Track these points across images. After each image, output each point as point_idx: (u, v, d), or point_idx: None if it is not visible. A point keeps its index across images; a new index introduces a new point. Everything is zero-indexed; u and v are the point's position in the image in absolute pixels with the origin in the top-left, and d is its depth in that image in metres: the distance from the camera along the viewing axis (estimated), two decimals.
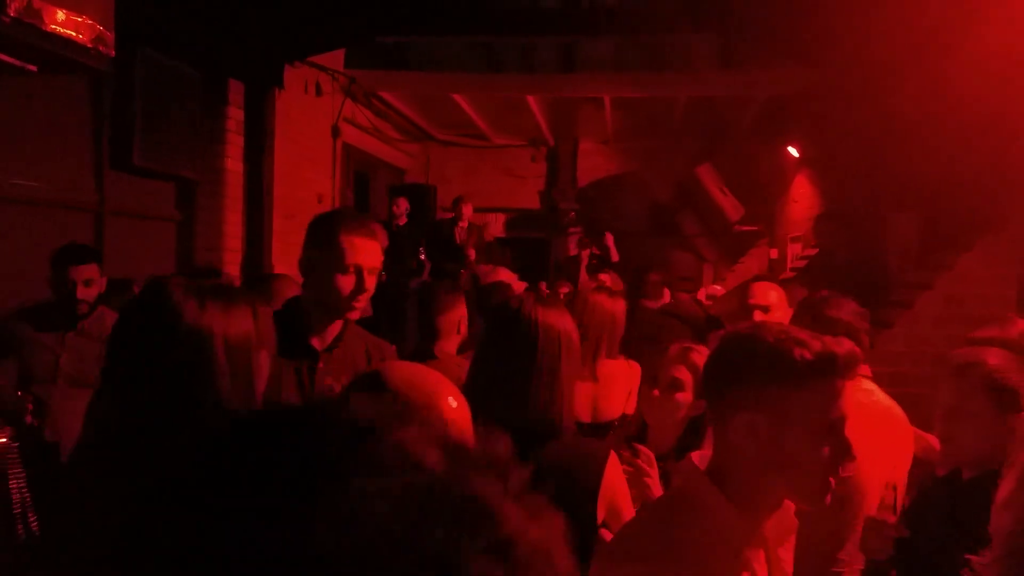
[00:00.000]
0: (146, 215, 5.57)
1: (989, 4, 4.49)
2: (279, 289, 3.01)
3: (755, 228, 10.15)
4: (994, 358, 1.95)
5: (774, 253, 9.72)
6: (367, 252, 2.18)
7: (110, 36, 3.96)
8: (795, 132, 8.53)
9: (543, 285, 6.43)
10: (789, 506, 1.33)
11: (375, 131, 9.25)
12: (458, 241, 8.27)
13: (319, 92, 7.35)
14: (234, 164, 6.07)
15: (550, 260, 10.80)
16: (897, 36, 5.07)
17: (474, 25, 7.49)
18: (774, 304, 3.06)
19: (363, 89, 8.30)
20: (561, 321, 1.90)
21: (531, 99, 8.85)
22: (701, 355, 2.38)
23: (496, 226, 11.44)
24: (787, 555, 1.40)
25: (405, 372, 1.11)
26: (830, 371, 1.23)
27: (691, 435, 2.31)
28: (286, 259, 5.78)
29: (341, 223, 2.20)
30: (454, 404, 1.05)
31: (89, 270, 3.50)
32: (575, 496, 1.74)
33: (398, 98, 9.11)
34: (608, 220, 10.81)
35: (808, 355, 1.22)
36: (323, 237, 2.19)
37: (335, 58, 7.55)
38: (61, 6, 3.58)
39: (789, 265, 8.74)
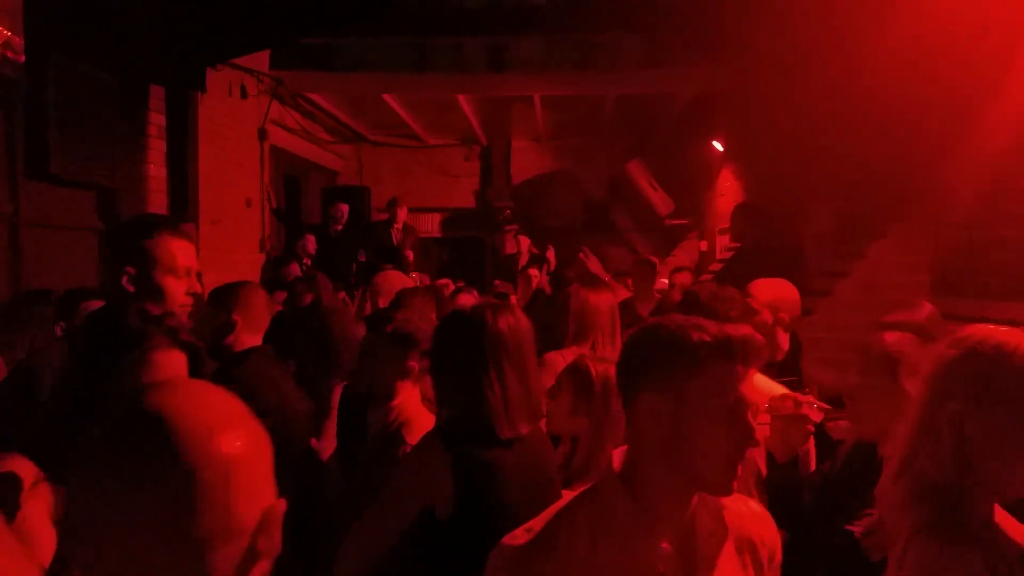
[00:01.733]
0: (65, 225, 5.37)
1: (896, 1, 4.67)
2: (246, 297, 2.82)
3: (685, 221, 10.36)
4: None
5: (704, 245, 9.94)
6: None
7: (18, 41, 3.83)
8: (719, 127, 8.76)
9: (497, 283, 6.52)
10: (722, 511, 1.35)
11: (305, 133, 9.13)
12: (395, 243, 8.24)
13: (244, 95, 7.22)
14: (156, 170, 5.92)
15: (487, 258, 10.83)
16: (809, 34, 5.26)
17: (401, 25, 7.46)
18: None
19: (290, 91, 8.18)
20: (509, 324, 1.99)
21: (462, 99, 8.85)
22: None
23: (432, 225, 11.42)
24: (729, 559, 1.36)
25: (182, 400, 0.88)
26: (727, 354, 1.27)
27: None
28: (213, 265, 5.67)
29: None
30: (237, 444, 0.87)
31: None
32: (546, 480, 1.99)
33: (327, 99, 9.00)
34: (542, 217, 10.91)
35: (706, 337, 1.27)
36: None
37: (260, 60, 7.42)
38: None
39: (718, 256, 8.97)
